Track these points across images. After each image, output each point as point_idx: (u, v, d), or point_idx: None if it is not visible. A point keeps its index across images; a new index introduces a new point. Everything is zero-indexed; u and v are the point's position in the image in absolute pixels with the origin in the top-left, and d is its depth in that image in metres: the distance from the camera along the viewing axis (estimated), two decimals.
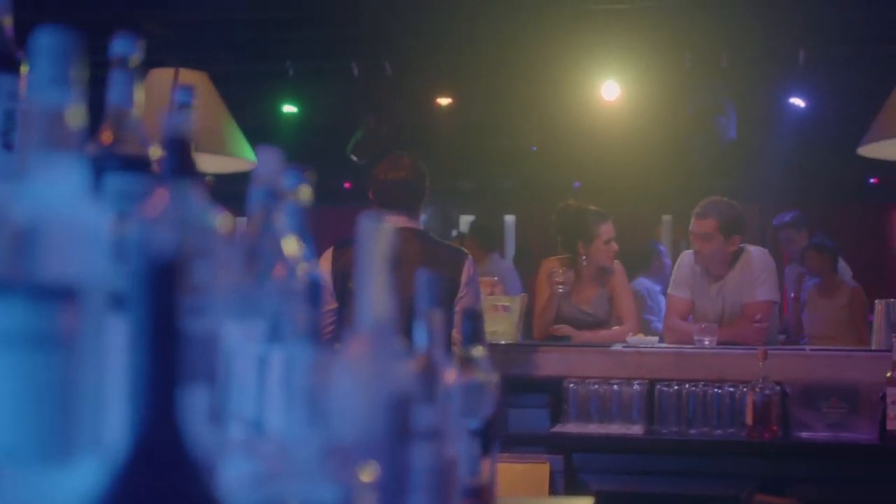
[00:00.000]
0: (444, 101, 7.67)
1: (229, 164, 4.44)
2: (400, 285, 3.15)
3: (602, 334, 4.58)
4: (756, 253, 4.44)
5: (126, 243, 0.86)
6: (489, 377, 1.53)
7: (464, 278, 3.36)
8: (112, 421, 0.87)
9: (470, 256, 3.44)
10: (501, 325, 4.09)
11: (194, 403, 0.83)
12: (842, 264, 6.48)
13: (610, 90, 7.37)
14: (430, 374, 1.38)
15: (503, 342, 4.05)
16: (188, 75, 4.32)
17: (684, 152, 7.65)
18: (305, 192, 1.38)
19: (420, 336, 1.38)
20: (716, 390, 3.69)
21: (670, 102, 7.60)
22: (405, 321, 3.08)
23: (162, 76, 4.24)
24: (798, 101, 7.35)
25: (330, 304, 3.49)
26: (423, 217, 3.56)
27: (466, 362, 1.52)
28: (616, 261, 4.68)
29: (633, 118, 7.68)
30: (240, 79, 7.80)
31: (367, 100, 7.92)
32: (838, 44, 7.16)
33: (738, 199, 4.55)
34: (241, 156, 4.32)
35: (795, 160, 8.72)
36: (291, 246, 1.29)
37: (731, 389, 3.69)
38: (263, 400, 1.12)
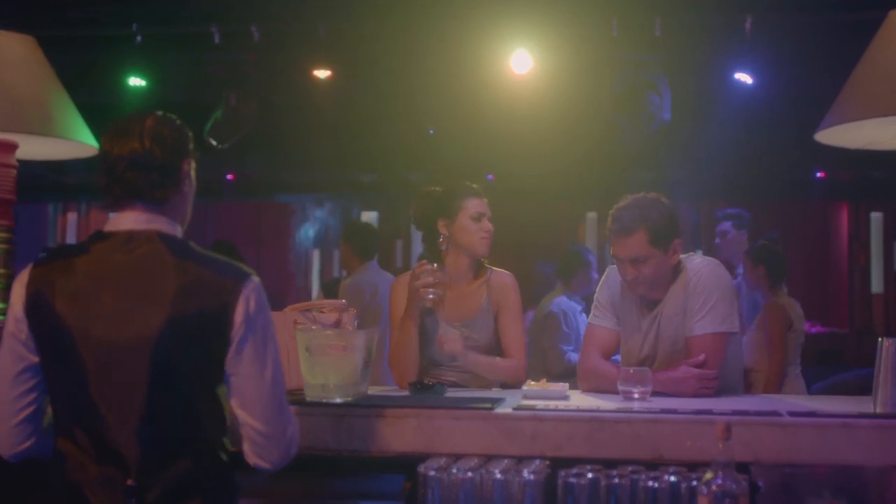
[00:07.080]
0: (321, 74, 6.37)
1: (61, 148, 3.49)
2: (132, 324, 1.79)
3: (498, 364, 3.31)
4: (699, 266, 3.16)
5: None
6: None
7: (240, 312, 2.05)
8: None
9: (254, 279, 2.10)
10: (336, 375, 2.72)
11: None
12: None
13: (521, 62, 6.17)
14: None
15: (338, 400, 2.69)
16: (9, 40, 3.31)
17: (611, 136, 6.53)
18: None
19: None
20: (651, 483, 2.39)
21: (593, 77, 6.49)
22: (141, 383, 1.80)
23: None
24: (744, 78, 6.27)
25: (16, 366, 2.11)
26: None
27: None
28: (508, 272, 3.40)
29: (548, 96, 6.55)
30: (77, 45, 6.54)
31: (230, 71, 6.64)
32: (791, 9, 6.04)
33: (670, 194, 3.28)
34: (77, 139, 3.35)
35: (738, 148, 7.63)
36: None
37: (673, 479, 2.40)
38: None
